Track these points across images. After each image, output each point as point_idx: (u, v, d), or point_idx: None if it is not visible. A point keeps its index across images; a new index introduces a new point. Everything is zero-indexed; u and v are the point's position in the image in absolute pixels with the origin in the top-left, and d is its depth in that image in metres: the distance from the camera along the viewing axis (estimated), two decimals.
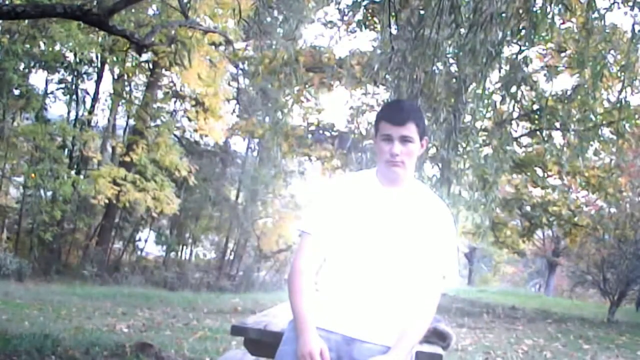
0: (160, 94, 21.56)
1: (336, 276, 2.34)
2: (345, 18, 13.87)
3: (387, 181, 2.35)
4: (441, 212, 2.39)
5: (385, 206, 2.33)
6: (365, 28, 13.91)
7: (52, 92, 20.54)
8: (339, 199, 2.36)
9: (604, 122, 10.79)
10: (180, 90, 21.30)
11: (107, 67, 20.32)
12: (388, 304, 2.33)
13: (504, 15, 4.18)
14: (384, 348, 2.23)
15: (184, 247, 24.73)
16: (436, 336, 2.85)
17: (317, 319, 2.28)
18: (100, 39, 16.54)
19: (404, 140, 2.26)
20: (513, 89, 4.80)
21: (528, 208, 14.52)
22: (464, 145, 5.74)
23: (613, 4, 5.65)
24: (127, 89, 21.04)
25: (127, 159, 18.20)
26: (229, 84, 21.88)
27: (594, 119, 9.55)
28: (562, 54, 12.63)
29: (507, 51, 4.90)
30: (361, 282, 2.30)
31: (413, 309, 2.32)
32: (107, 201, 17.56)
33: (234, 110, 23.05)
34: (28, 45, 17.09)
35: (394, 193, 2.34)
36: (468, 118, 5.27)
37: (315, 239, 2.35)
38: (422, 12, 4.81)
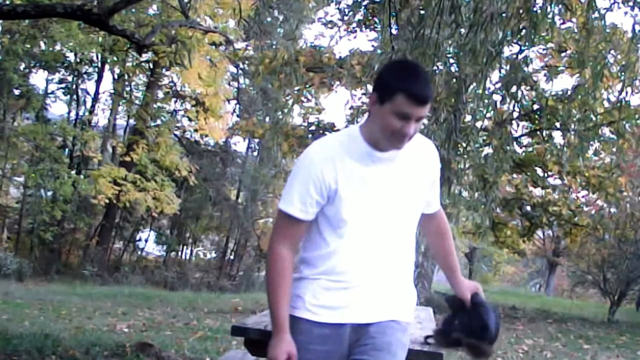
0: (160, 94, 21.57)
1: (341, 259, 2.04)
2: (346, 18, 13.88)
3: (381, 146, 2.02)
4: (432, 151, 2.19)
5: (383, 174, 2.05)
6: (366, 28, 13.92)
7: (52, 92, 20.60)
8: (330, 173, 2.00)
9: (604, 122, 10.79)
10: (181, 90, 21.31)
11: (107, 67, 20.35)
12: (401, 275, 2.14)
13: (504, 15, 4.18)
14: (398, 324, 2.10)
15: (184, 247, 24.75)
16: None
17: (318, 312, 2.06)
18: (100, 39, 16.56)
19: (419, 119, 1.97)
20: (513, 89, 4.80)
21: (528, 208, 14.51)
22: (464, 145, 5.74)
23: (613, 4, 5.65)
24: (128, 88, 21.06)
25: (128, 158, 18.21)
26: (229, 84, 21.90)
27: (594, 119, 9.54)
28: (562, 54, 12.63)
29: (507, 51, 4.91)
30: (372, 261, 2.06)
31: (440, 238, 2.33)
32: (107, 201, 17.57)
33: (234, 110, 23.09)
34: (28, 45, 17.11)
35: (390, 157, 2.05)
36: (468, 118, 5.27)
37: (299, 222, 2.04)
38: (422, 12, 4.82)
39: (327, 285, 2.06)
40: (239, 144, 24.82)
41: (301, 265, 2.12)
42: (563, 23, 10.82)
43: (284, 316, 2.01)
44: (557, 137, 12.39)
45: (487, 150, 8.44)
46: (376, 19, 12.54)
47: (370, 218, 2.04)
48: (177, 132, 22.31)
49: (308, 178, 2.01)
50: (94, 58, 19.90)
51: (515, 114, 11.24)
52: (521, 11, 4.35)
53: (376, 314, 2.08)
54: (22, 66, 18.09)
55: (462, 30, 4.29)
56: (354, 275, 2.05)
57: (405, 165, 2.09)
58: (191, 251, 25.32)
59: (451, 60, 5.21)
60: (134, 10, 15.26)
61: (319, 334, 2.06)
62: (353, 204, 2.02)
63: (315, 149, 2.07)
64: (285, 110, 11.89)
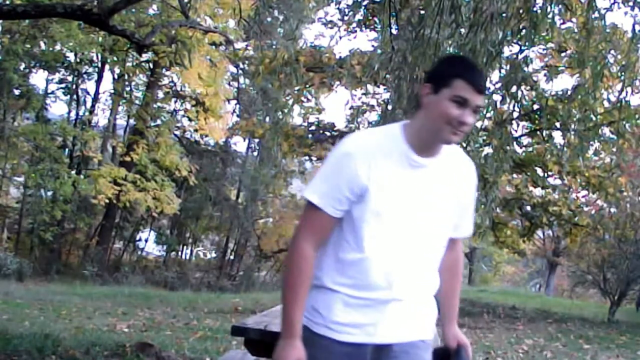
0: (160, 94, 21.58)
1: (365, 270, 1.88)
2: (346, 18, 13.88)
3: (423, 148, 1.89)
4: (471, 171, 2.06)
5: (419, 181, 1.90)
6: (366, 28, 13.93)
7: (52, 92, 20.63)
8: (364, 170, 1.85)
9: (604, 122, 10.78)
10: (181, 90, 21.32)
11: (107, 67, 20.36)
12: (425, 290, 2.01)
13: (504, 15, 4.18)
14: (423, 343, 1.99)
15: (185, 247, 24.77)
16: None
17: (339, 330, 1.90)
18: (100, 38, 16.56)
19: (476, 111, 1.85)
20: (513, 89, 4.80)
21: (528, 208, 14.50)
22: (464, 145, 5.73)
23: (613, 4, 5.64)
24: (128, 88, 21.07)
25: (128, 158, 18.21)
26: (229, 84, 21.90)
27: (594, 118, 9.53)
28: (563, 54, 12.63)
29: (507, 51, 4.90)
30: (399, 275, 1.90)
31: (451, 276, 2.12)
32: (107, 201, 17.57)
33: (234, 110, 23.11)
34: (28, 45, 17.12)
35: (428, 164, 1.91)
36: None
37: (328, 218, 1.87)
38: (422, 11, 4.81)
39: (348, 301, 1.90)
40: (239, 144, 24.88)
41: (319, 271, 1.93)
42: (563, 23, 10.81)
43: (297, 320, 1.87)
44: (557, 137, 12.38)
45: (487, 150, 8.43)
46: (376, 19, 12.54)
47: (399, 226, 1.89)
48: (177, 132, 22.32)
49: (340, 172, 1.86)
50: (94, 58, 19.91)
51: (515, 114, 11.22)
52: (521, 11, 4.34)
53: (401, 334, 1.95)
54: (22, 66, 18.10)
55: (462, 30, 4.28)
56: (379, 290, 1.89)
57: (442, 176, 1.94)
58: (191, 251, 25.34)
59: None
60: (134, 10, 15.25)
61: (339, 351, 1.91)
62: (383, 207, 1.87)
63: (352, 142, 1.90)
64: (285, 110, 11.87)
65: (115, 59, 18.99)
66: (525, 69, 4.87)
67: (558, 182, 14.23)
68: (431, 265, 1.99)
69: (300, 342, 1.87)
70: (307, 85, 13.41)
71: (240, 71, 22.34)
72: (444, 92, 1.83)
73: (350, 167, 1.85)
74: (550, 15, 4.41)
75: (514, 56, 4.70)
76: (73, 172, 18.58)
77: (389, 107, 5.10)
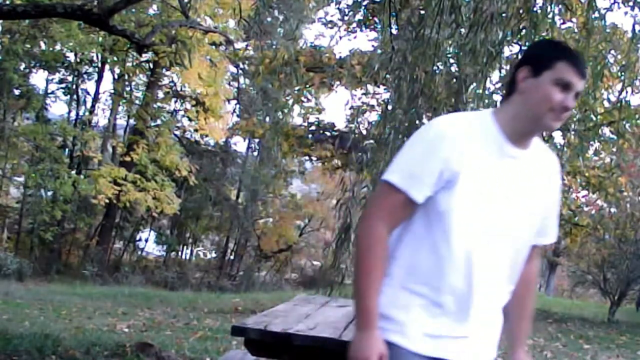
0: (160, 94, 21.58)
1: (448, 274, 1.68)
2: (346, 18, 13.89)
3: (518, 137, 1.72)
4: (557, 168, 1.92)
5: (511, 174, 1.73)
6: (366, 28, 13.93)
7: (52, 92, 20.62)
8: (456, 154, 1.67)
9: (604, 122, 10.78)
10: (181, 90, 21.32)
11: (107, 67, 20.36)
12: (502, 304, 1.81)
13: (504, 15, 4.18)
14: None
15: (185, 247, 24.76)
16: None
17: (417, 341, 1.69)
18: (100, 38, 16.57)
19: (577, 95, 1.71)
20: None
21: None
22: None
23: (613, 4, 5.65)
24: (128, 88, 21.07)
25: (128, 158, 18.21)
26: (229, 84, 21.90)
27: (594, 118, 9.54)
28: None
29: (508, 51, 4.91)
30: (482, 283, 1.70)
31: (526, 291, 1.88)
32: (107, 201, 17.57)
33: (234, 110, 23.11)
34: (28, 45, 17.13)
35: (520, 156, 1.74)
36: None
37: (408, 201, 1.68)
38: (422, 12, 4.81)
39: (429, 309, 1.70)
40: (239, 144, 24.86)
41: (396, 267, 1.74)
42: (563, 23, 10.79)
43: (374, 308, 1.67)
44: (557, 137, 12.37)
45: None
46: (376, 19, 12.54)
47: (489, 223, 1.70)
48: (177, 132, 22.32)
49: (430, 152, 1.67)
50: (94, 58, 19.90)
51: None
52: (521, 11, 4.34)
53: (476, 354, 1.75)
54: (22, 66, 18.10)
55: (462, 30, 4.28)
56: (460, 296, 1.69)
57: (532, 171, 1.77)
58: (191, 251, 25.34)
59: (451, 60, 5.20)
60: (134, 10, 15.26)
61: None
62: (474, 198, 1.68)
63: (445, 123, 1.74)
64: (285, 110, 11.88)
65: (115, 59, 18.99)
66: None
67: None
68: (513, 275, 1.78)
69: (379, 333, 1.68)
70: (307, 85, 13.41)
71: (240, 71, 22.34)
72: (546, 75, 1.68)
73: (443, 149, 1.67)
74: (550, 15, 4.41)
75: (514, 56, 4.71)
76: (73, 172, 18.59)
77: (389, 107, 5.10)
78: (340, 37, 15.18)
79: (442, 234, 1.68)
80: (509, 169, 1.72)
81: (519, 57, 4.84)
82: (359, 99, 14.10)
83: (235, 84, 23.03)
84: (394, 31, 5.30)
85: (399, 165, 1.72)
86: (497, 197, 1.70)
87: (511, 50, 4.96)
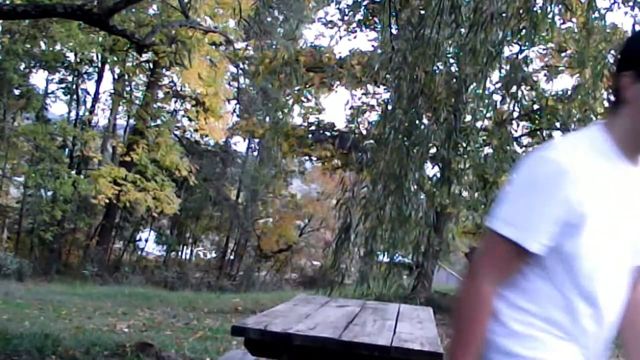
0: (160, 94, 21.59)
1: (576, 311, 1.45)
2: (346, 18, 13.90)
3: (633, 154, 1.46)
4: None
5: (632, 197, 1.48)
6: (366, 28, 13.94)
7: (52, 92, 20.62)
8: (577, 191, 1.39)
9: None
10: (181, 90, 21.33)
11: (107, 67, 20.36)
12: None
13: (504, 15, 4.19)
14: None
15: (185, 247, 24.77)
16: None
17: None
18: (100, 38, 16.58)
19: None
20: (513, 89, 4.80)
21: None
22: (464, 145, 5.74)
23: (613, 4, 5.66)
24: (128, 88, 21.07)
25: (128, 158, 18.21)
26: (229, 84, 21.91)
27: (594, 118, 9.54)
28: (562, 54, 12.64)
29: (507, 51, 4.91)
30: (613, 314, 1.52)
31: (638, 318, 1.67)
32: (107, 201, 17.57)
33: (234, 110, 23.11)
34: (28, 45, 17.13)
35: (636, 175, 1.49)
36: (468, 118, 5.28)
37: (523, 254, 1.42)
38: (422, 12, 4.82)
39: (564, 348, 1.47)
40: (239, 144, 24.89)
41: (518, 312, 1.48)
42: (563, 23, 10.82)
43: None
44: (557, 137, 12.40)
45: (487, 150, 8.45)
46: (376, 19, 12.56)
47: (616, 261, 1.48)
48: (177, 132, 22.32)
49: (549, 194, 1.39)
50: (94, 58, 19.91)
51: (515, 114, 11.25)
52: (521, 11, 4.35)
53: None
54: (22, 66, 18.10)
55: (462, 30, 4.29)
56: (595, 339, 1.51)
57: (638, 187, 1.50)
58: (191, 251, 25.34)
59: (451, 60, 5.21)
60: (134, 10, 15.27)
61: None
62: (603, 240, 1.43)
63: (559, 154, 1.42)
64: (285, 110, 11.91)
65: (115, 59, 19.00)
66: (525, 69, 4.88)
67: None
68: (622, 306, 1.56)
69: None
70: (307, 85, 13.43)
71: (240, 71, 22.36)
72: None
73: (564, 190, 1.38)
74: (550, 15, 4.42)
75: (514, 56, 4.71)
76: (73, 172, 18.59)
77: (389, 107, 5.11)
78: (340, 37, 15.22)
79: (569, 281, 1.44)
80: (629, 192, 1.48)
81: (518, 57, 4.86)
82: (359, 99, 14.12)
83: (235, 84, 23.05)
84: (394, 31, 5.31)
85: (509, 211, 1.43)
86: (623, 230, 1.47)
87: (511, 50, 4.96)
